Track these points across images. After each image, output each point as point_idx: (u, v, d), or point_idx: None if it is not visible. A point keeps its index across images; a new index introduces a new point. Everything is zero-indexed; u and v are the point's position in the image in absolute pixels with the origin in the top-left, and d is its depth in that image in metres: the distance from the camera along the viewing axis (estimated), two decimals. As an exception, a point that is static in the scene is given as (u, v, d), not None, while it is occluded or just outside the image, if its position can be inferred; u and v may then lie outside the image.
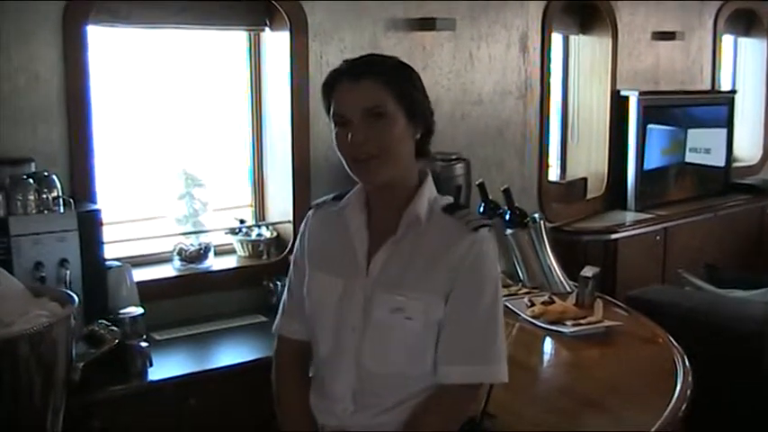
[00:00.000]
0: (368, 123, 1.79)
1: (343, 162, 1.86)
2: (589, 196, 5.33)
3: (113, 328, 1.92)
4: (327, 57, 3.72)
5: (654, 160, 5.42)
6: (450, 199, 1.95)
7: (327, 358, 1.93)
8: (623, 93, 5.27)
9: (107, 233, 2.96)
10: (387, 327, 1.84)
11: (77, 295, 1.86)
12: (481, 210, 3.59)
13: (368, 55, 1.94)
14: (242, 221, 3.80)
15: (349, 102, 1.81)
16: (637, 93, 5.24)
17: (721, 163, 6.00)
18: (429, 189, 1.91)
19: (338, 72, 1.87)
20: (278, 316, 2.10)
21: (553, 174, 5.31)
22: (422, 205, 1.87)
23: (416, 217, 1.86)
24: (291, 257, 2.10)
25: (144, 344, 2.85)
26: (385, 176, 1.84)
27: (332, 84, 1.86)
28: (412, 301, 1.82)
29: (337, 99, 1.83)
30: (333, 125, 1.85)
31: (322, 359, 1.95)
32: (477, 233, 1.84)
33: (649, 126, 5.33)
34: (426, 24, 4.02)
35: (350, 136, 1.80)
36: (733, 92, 6.31)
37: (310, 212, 2.06)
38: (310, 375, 2.02)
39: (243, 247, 3.72)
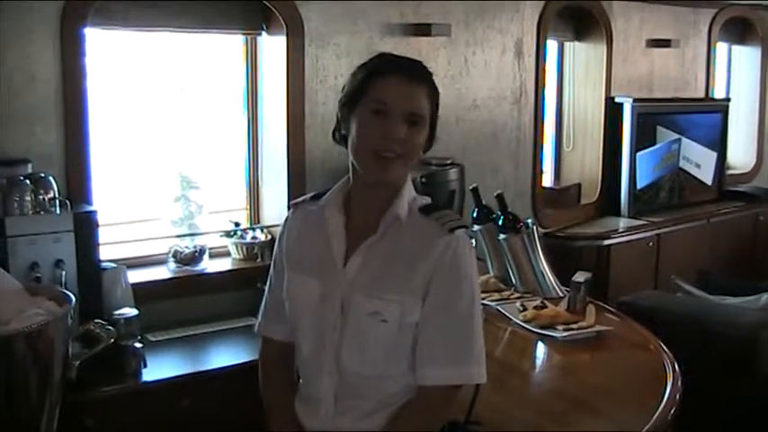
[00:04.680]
0: (405, 123, 1.80)
1: (357, 149, 1.83)
2: (583, 202, 5.36)
3: (109, 327, 1.93)
4: (323, 61, 3.75)
5: (647, 167, 5.45)
6: (427, 200, 1.94)
7: (309, 359, 1.93)
8: (617, 99, 5.29)
9: (103, 235, 2.97)
10: (363, 327, 1.84)
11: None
12: (474, 215, 3.61)
13: (416, 60, 1.92)
14: (237, 224, 3.81)
15: (400, 98, 1.80)
16: (631, 99, 5.26)
17: (715, 171, 6.03)
18: (409, 190, 1.91)
19: (393, 62, 1.87)
20: (259, 315, 2.10)
21: (547, 179, 5.33)
22: (402, 206, 1.87)
23: (396, 217, 1.86)
24: (272, 257, 2.09)
25: (138, 345, 2.87)
26: (398, 175, 1.85)
27: (384, 70, 1.84)
28: (388, 304, 1.82)
29: (386, 88, 1.81)
30: (364, 111, 1.82)
31: (304, 360, 1.95)
32: (453, 235, 1.84)
33: (643, 133, 5.35)
34: (422, 30, 4.05)
35: (386, 129, 1.78)
36: (727, 100, 6.34)
37: (290, 212, 2.06)
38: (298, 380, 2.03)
39: (237, 250, 3.73)
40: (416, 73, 1.85)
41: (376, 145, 1.80)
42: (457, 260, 1.84)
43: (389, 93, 1.80)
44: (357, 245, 1.88)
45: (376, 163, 1.82)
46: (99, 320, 1.95)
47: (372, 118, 1.80)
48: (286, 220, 2.06)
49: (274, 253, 2.07)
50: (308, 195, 2.03)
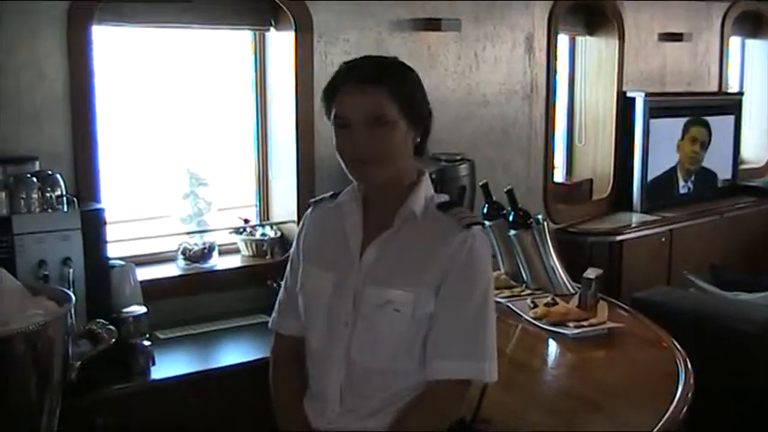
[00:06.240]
0: (370, 128, 1.82)
1: (342, 163, 1.89)
2: (595, 197, 5.32)
3: (110, 326, 1.92)
4: (332, 57, 3.72)
5: (660, 162, 5.41)
6: (445, 197, 1.97)
7: (318, 353, 1.95)
8: (630, 94, 5.25)
9: (111, 232, 2.96)
10: (375, 319, 1.85)
11: (79, 294, 1.86)
12: (485, 210, 3.59)
13: (368, 57, 1.96)
14: (246, 221, 3.80)
15: (352, 106, 1.83)
16: (643, 94, 5.22)
17: (728, 165, 5.99)
18: (426, 187, 1.94)
19: (341, 76, 1.89)
20: (274, 312, 2.13)
21: (559, 175, 5.30)
22: (418, 202, 1.90)
23: (412, 212, 1.89)
24: (289, 254, 2.12)
25: (147, 343, 2.86)
26: (381, 178, 1.88)
27: (335, 87, 1.88)
28: (401, 293, 1.83)
29: (340, 102, 1.85)
30: (334, 128, 1.88)
31: (313, 354, 1.97)
32: (470, 230, 1.86)
33: (656, 127, 5.31)
34: (431, 25, 4.01)
35: (352, 139, 1.82)
36: (740, 94, 6.30)
37: (309, 210, 2.10)
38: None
39: (247, 247, 3.72)
40: (366, 74, 1.86)
41: (348, 156, 1.86)
42: (472, 255, 1.85)
43: (344, 105, 1.85)
44: (373, 239, 1.90)
45: (355, 171, 1.89)
46: (101, 320, 1.94)
47: (339, 131, 1.86)
48: (304, 218, 2.10)
49: (291, 250, 2.10)
50: (327, 194, 2.07)
